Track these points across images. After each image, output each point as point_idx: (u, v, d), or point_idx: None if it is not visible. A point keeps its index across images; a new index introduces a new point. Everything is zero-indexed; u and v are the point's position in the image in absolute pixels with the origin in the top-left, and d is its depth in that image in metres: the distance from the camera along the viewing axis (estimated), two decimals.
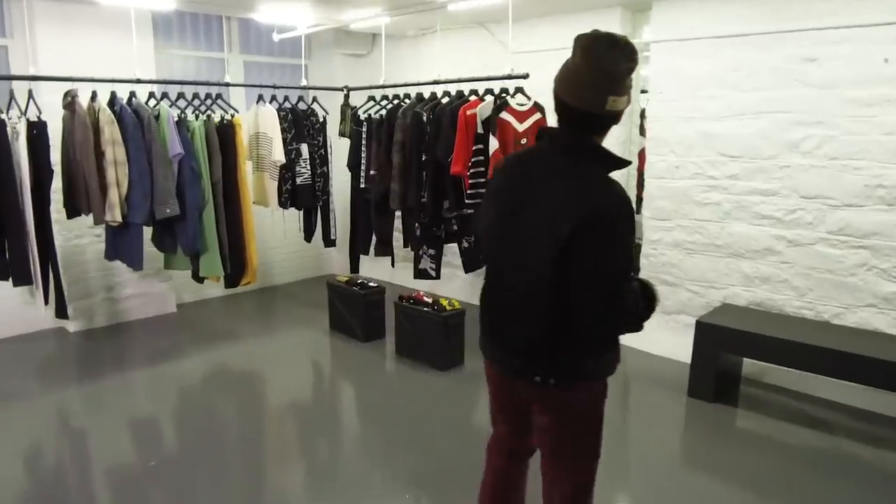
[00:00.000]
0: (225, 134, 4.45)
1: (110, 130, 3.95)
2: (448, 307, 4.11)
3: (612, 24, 4.46)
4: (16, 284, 4.02)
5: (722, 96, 4.02)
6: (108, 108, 3.99)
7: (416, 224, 4.62)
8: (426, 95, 4.64)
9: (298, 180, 5.00)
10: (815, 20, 3.61)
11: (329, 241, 5.37)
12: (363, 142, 5.02)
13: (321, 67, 6.43)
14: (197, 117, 4.38)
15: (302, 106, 5.06)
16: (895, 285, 3.52)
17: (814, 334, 3.50)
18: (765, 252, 3.97)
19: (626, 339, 4.80)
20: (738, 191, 4.03)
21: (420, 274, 4.71)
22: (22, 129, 3.82)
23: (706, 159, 4.14)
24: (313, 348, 4.83)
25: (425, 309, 4.18)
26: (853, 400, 3.65)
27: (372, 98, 5.11)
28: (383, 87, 5.03)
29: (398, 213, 4.93)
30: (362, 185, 5.04)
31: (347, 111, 5.30)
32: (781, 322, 3.74)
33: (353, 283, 4.80)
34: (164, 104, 4.28)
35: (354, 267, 5.38)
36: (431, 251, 4.70)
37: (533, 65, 4.07)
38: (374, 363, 4.45)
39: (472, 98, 4.38)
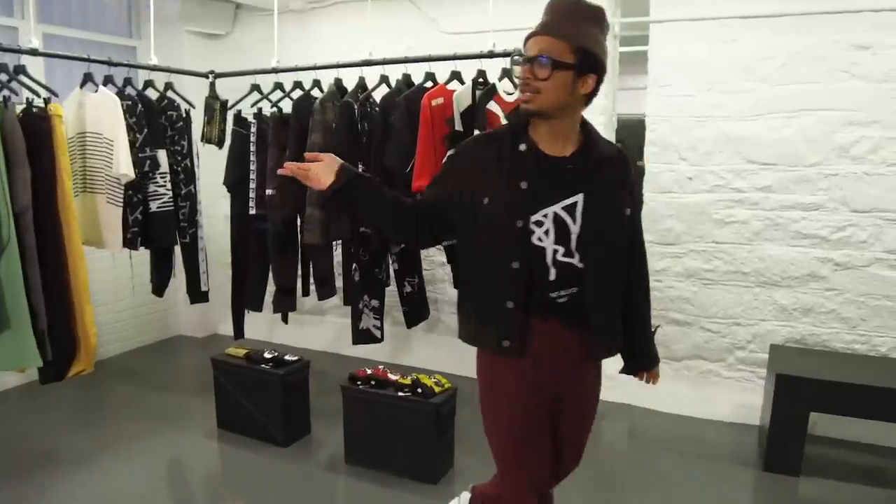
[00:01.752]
0: (36, 131, 2.67)
1: None
2: (436, 388, 2.74)
3: None
4: None
5: (749, 90, 3.25)
6: None
7: (355, 266, 3.21)
8: (347, 83, 3.34)
9: (154, 205, 3.29)
10: None
11: (198, 295, 3.66)
12: (252, 149, 3.51)
13: (162, 51, 4.56)
14: None
15: (152, 94, 3.37)
16: None
17: None
18: (806, 278, 3.27)
19: (626, 397, 4.00)
20: (771, 205, 3.29)
21: (361, 337, 3.27)
22: None
23: (729, 168, 3.34)
24: (199, 469, 3.11)
25: (401, 394, 2.75)
26: None
27: (256, 88, 3.62)
28: (275, 71, 3.55)
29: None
30: (252, 212, 3.50)
31: (216, 106, 3.72)
32: (873, 365, 3.04)
33: (258, 358, 3.19)
34: None
35: (239, 329, 3.76)
36: (374, 302, 3.31)
37: (474, 50, 3.02)
38: (315, 484, 2.88)
39: (429, 85, 3.15)
